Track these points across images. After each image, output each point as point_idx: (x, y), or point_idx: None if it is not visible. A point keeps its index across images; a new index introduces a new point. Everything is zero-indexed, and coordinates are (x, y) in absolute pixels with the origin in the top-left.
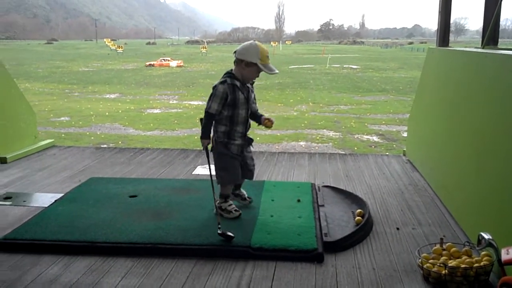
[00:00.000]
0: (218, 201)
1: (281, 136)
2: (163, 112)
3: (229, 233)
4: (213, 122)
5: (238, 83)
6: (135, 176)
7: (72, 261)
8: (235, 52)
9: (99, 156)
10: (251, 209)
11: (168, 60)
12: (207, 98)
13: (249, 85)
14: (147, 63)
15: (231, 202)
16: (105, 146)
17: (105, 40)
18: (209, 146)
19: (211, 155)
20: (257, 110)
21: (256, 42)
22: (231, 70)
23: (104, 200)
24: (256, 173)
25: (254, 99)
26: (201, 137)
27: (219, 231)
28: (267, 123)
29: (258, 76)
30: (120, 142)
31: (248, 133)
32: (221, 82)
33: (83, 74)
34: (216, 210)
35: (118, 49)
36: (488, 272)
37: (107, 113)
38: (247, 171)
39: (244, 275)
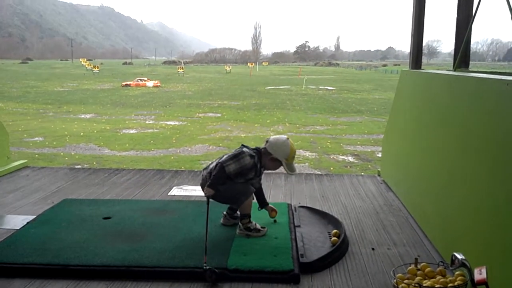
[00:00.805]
0: (243, 223)
1: None
2: (139, 132)
3: (217, 271)
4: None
5: (259, 166)
6: (110, 197)
7: (44, 285)
8: (267, 141)
9: (73, 177)
10: (227, 230)
11: (145, 80)
12: (184, 118)
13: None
14: (124, 83)
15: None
16: (79, 166)
17: (81, 60)
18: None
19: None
20: (261, 185)
21: (289, 140)
22: (263, 150)
23: (77, 222)
24: None
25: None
26: (208, 186)
27: (206, 266)
28: (273, 214)
29: (277, 169)
30: (94, 163)
31: None
32: (251, 156)
33: (58, 94)
34: (240, 231)
35: (94, 69)
36: None
37: (82, 133)
38: None
39: None
